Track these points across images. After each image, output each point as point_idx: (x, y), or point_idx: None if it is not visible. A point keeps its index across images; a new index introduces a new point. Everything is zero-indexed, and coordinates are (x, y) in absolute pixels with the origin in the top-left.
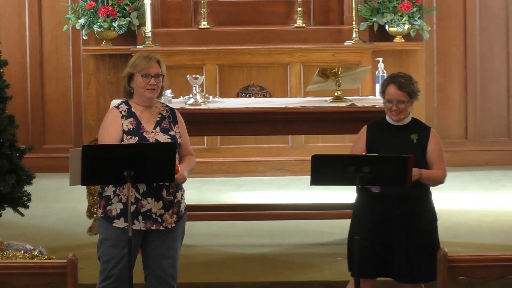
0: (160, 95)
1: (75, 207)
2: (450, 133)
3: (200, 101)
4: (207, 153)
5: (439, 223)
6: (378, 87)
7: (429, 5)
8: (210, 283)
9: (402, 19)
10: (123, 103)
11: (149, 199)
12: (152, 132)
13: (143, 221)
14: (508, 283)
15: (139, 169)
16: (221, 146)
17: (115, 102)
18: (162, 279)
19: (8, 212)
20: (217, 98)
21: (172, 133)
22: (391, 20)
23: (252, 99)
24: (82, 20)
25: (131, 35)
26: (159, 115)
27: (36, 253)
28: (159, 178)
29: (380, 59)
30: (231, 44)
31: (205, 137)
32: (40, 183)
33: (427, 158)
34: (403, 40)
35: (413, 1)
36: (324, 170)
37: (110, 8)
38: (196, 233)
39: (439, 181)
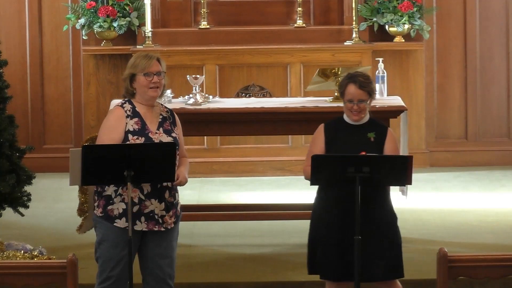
0: (162, 93)
1: (75, 207)
2: (450, 133)
3: (200, 101)
4: (207, 153)
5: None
6: (377, 87)
7: (429, 5)
8: (210, 283)
9: (402, 19)
10: (127, 102)
11: (152, 200)
12: (156, 132)
13: (146, 222)
14: (508, 283)
15: (139, 169)
16: (221, 146)
17: (116, 102)
18: (160, 279)
19: (8, 212)
20: (217, 98)
21: (174, 135)
22: (391, 20)
23: (252, 99)
24: (82, 20)
25: (131, 35)
26: (161, 116)
27: (36, 253)
28: (159, 178)
29: (380, 59)
30: (231, 44)
31: (205, 137)
32: (40, 183)
33: None
34: (403, 40)
35: (413, 1)
36: (324, 170)
37: (110, 8)
38: (196, 233)
39: None
